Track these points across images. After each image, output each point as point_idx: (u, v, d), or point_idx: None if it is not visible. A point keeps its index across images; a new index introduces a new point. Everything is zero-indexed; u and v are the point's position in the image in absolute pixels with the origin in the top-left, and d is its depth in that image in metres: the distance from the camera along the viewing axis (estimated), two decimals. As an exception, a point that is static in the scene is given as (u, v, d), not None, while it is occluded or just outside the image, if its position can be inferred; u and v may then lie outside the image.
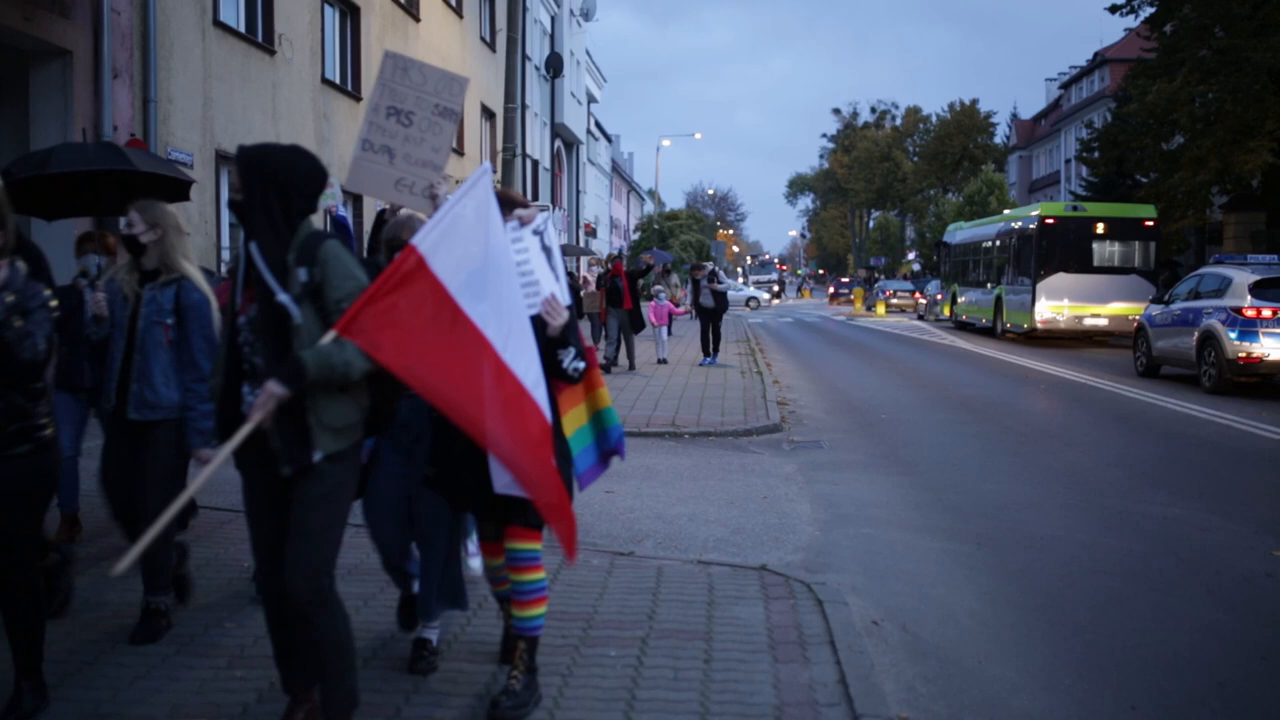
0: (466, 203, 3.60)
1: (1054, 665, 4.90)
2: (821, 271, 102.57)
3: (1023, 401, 15.20)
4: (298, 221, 3.47)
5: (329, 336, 3.35)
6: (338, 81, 19.61)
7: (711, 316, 19.29)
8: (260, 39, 16.54)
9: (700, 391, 14.65)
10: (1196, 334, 15.83)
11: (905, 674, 4.73)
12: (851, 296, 56.90)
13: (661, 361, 19.03)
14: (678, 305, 20.22)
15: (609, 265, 19.01)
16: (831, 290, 69.48)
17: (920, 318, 41.71)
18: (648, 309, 19.77)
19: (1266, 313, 14.80)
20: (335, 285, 3.42)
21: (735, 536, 7.06)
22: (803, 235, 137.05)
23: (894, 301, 47.98)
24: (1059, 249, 25.22)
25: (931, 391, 15.84)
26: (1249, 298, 15.09)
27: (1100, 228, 25.38)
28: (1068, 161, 56.20)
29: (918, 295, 46.98)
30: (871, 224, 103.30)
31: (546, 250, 3.95)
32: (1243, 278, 15.57)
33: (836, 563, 6.48)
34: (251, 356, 3.47)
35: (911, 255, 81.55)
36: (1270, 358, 14.67)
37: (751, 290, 59.64)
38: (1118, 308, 24.61)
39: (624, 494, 8.26)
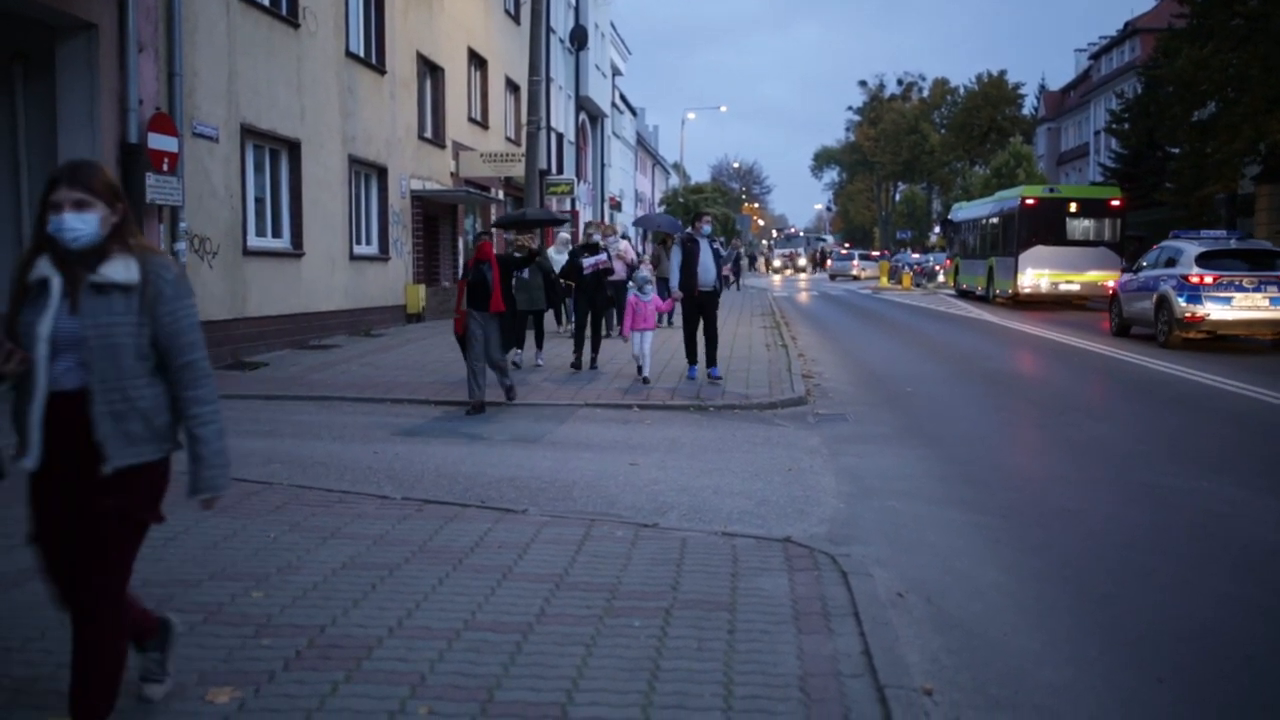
0: None
1: (1078, 637, 4.88)
2: (848, 245, 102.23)
3: (1042, 373, 15.13)
4: None
5: None
6: (362, 55, 19.60)
7: (704, 306, 12.84)
8: (284, 12, 16.54)
9: (725, 365, 14.60)
10: (1154, 297, 18.50)
11: (930, 645, 4.72)
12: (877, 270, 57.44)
13: (645, 381, 12.78)
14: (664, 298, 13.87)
15: (474, 247, 11.75)
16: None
17: (917, 285, 45.99)
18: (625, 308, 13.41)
19: (1208, 279, 17.45)
20: None
21: (759, 508, 7.06)
22: (828, 208, 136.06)
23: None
24: (1038, 225, 28.75)
25: (954, 364, 15.78)
26: (1194, 267, 17.70)
27: (1073, 207, 29.19)
28: (1097, 133, 55.64)
29: (919, 268, 51.00)
30: (898, 197, 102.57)
31: None
32: (1192, 250, 18.22)
33: (861, 535, 6.48)
34: None
35: (938, 228, 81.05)
36: (1211, 317, 17.32)
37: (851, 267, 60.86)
38: (1089, 275, 28.35)
39: (648, 466, 8.28)
